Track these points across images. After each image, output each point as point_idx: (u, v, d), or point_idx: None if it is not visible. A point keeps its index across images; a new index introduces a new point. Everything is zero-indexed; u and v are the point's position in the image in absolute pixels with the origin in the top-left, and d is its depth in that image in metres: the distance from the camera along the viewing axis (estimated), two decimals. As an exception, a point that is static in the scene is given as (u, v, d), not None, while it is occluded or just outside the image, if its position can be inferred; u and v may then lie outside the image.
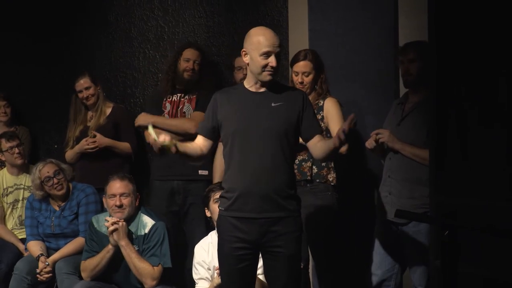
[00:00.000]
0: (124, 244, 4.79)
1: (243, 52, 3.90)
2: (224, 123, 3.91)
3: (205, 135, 3.98)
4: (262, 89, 3.91)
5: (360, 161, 5.18)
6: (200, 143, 3.99)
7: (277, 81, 4.04)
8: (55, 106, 6.08)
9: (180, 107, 5.41)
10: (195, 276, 4.72)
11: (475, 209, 3.17)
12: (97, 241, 4.94)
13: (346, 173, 4.94)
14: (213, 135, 3.97)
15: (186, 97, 5.43)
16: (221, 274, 4.03)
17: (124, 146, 5.60)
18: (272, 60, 3.80)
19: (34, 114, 6.21)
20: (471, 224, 3.16)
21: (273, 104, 3.87)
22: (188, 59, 5.41)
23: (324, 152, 3.90)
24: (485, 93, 3.15)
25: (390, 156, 4.49)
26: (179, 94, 5.45)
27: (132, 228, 4.90)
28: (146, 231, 4.88)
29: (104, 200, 5.03)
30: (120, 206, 4.85)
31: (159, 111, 5.44)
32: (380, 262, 4.59)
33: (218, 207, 4.03)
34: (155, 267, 4.80)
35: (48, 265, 5.17)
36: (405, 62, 4.46)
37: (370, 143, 4.52)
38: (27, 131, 6.09)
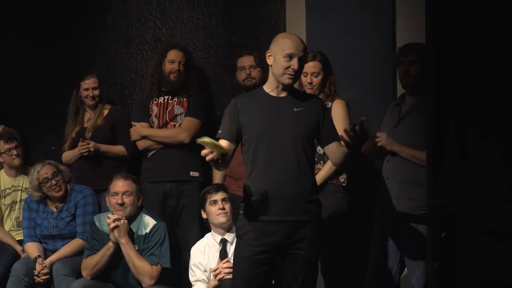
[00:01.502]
0: (124, 242, 4.80)
1: (268, 54, 3.93)
2: (246, 127, 3.92)
3: (230, 139, 3.95)
4: (283, 94, 3.94)
5: (363, 162, 5.17)
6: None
7: (297, 89, 4.10)
8: (53, 107, 6.06)
9: (169, 109, 5.41)
10: (191, 278, 4.72)
11: (473, 211, 3.17)
12: (98, 239, 4.96)
13: (355, 174, 4.94)
14: (237, 138, 3.97)
15: (175, 99, 5.43)
16: (234, 278, 4.02)
17: (118, 149, 5.57)
18: (294, 63, 3.83)
19: (32, 115, 6.19)
20: (469, 225, 3.16)
21: (295, 109, 3.90)
22: (172, 60, 5.40)
23: (340, 157, 3.95)
24: (483, 95, 3.15)
25: (388, 158, 4.49)
26: (166, 97, 5.45)
27: (134, 227, 4.91)
28: (147, 231, 4.90)
29: (106, 198, 5.04)
30: (122, 204, 4.88)
31: (146, 115, 5.44)
32: (378, 263, 4.59)
33: (240, 211, 4.01)
34: (153, 266, 4.82)
35: (45, 266, 5.16)
36: (405, 63, 4.45)
37: (366, 149, 4.52)
38: (14, 131, 5.99)
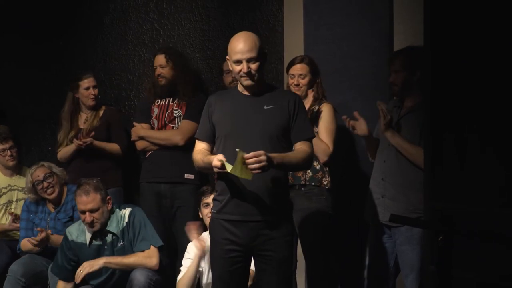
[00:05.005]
0: (105, 262, 4.74)
1: (227, 58, 3.96)
2: (217, 125, 3.95)
3: (208, 141, 4.01)
4: (255, 92, 3.94)
5: (354, 165, 5.19)
6: (204, 148, 4.01)
7: (272, 85, 4.09)
8: (50, 108, 6.07)
9: (169, 111, 5.44)
10: (181, 267, 4.73)
11: (470, 215, 3.18)
12: (75, 253, 4.87)
13: (341, 177, 4.96)
14: (214, 138, 4.00)
15: (176, 101, 5.46)
16: (212, 276, 4.04)
17: (113, 147, 5.59)
18: (243, 67, 3.85)
19: (29, 115, 6.20)
20: (466, 229, 3.17)
21: (265, 107, 3.90)
22: (156, 66, 5.47)
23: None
24: (481, 98, 3.16)
25: (385, 159, 4.50)
26: (167, 98, 5.48)
27: (112, 227, 4.85)
28: (127, 220, 4.84)
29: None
30: (91, 223, 4.79)
31: (148, 117, 5.48)
32: (373, 266, 4.60)
33: (211, 209, 4.05)
34: (147, 251, 4.76)
35: (48, 232, 5.14)
36: (392, 72, 4.50)
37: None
38: (7, 129, 5.94)
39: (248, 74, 3.87)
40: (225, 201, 3.90)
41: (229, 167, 3.68)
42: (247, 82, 3.90)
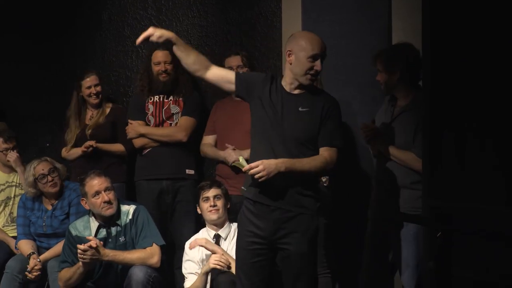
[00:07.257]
0: (110, 256, 4.74)
1: (288, 52, 3.91)
2: (254, 108, 3.95)
3: (231, 76, 4.03)
4: (296, 91, 3.93)
5: (353, 162, 5.19)
6: (218, 70, 4.12)
7: (313, 86, 4.04)
8: (48, 106, 6.07)
9: (165, 107, 5.42)
10: (184, 271, 4.75)
11: (468, 213, 3.18)
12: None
13: (339, 174, 4.95)
14: (233, 84, 3.99)
15: (171, 98, 5.44)
16: (236, 268, 4.08)
17: (117, 148, 5.59)
18: (317, 64, 3.85)
19: (27, 113, 6.19)
20: (464, 227, 3.17)
21: (300, 109, 3.89)
22: (158, 62, 5.41)
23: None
24: (480, 96, 3.16)
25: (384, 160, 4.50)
26: (161, 95, 5.45)
27: (118, 220, 4.88)
28: (130, 217, 4.87)
29: (83, 203, 4.97)
30: (109, 202, 4.81)
31: (142, 114, 5.46)
32: (370, 263, 4.60)
33: (243, 194, 4.05)
34: (149, 248, 4.79)
35: (39, 262, 5.15)
36: (377, 71, 4.51)
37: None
38: (6, 127, 5.96)
39: (318, 73, 3.89)
40: (253, 185, 3.90)
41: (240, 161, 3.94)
42: (309, 81, 3.89)
